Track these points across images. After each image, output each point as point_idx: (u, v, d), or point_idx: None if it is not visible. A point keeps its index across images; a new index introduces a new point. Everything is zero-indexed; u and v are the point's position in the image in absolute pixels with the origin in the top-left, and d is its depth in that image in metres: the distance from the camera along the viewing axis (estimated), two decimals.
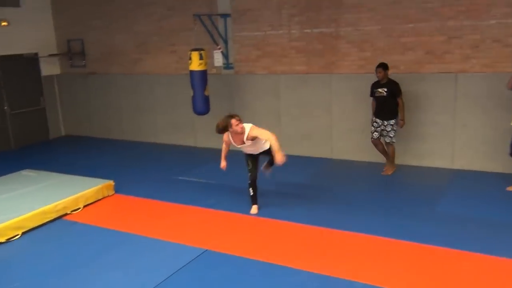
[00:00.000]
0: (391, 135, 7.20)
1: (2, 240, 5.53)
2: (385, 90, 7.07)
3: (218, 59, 8.76)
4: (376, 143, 7.38)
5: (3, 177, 7.58)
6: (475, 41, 6.95)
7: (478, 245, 4.92)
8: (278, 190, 6.94)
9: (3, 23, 9.95)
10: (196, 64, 7.90)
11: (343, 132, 8.19)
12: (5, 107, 10.33)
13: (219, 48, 8.70)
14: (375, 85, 7.20)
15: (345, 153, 8.24)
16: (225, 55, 8.91)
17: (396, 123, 7.18)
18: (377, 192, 6.72)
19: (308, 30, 8.13)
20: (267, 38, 8.54)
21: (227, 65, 9.00)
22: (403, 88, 7.10)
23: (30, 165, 8.29)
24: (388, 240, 5.15)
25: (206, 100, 8.19)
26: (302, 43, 8.23)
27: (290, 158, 8.47)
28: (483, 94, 7.01)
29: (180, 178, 7.71)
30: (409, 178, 7.25)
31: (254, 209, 6.17)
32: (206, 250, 5.15)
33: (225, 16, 8.78)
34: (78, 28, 10.83)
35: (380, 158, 7.90)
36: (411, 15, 7.26)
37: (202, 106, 8.18)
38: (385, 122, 7.17)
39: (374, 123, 7.30)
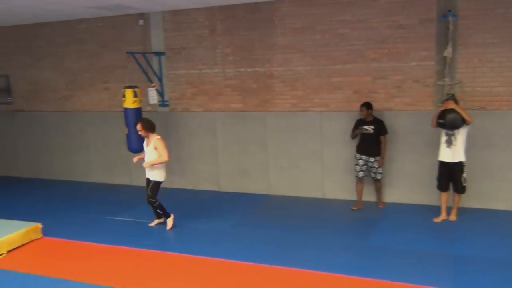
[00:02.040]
0: (380, 171, 7.28)
1: None
2: (372, 127, 7.16)
3: (153, 96, 8.72)
4: (360, 182, 7.43)
5: None
6: (397, 81, 7.45)
7: (410, 275, 5.13)
8: (214, 227, 6.92)
9: None
10: (130, 102, 7.83)
11: (279, 168, 8.35)
12: None
13: (154, 86, 8.69)
14: (361, 122, 7.26)
15: (281, 188, 8.39)
16: (160, 93, 8.90)
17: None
18: (312, 227, 6.84)
19: (243, 69, 8.34)
20: (202, 76, 8.65)
21: (163, 103, 8.97)
22: (334, 124, 7.44)
23: None
24: (324, 274, 5.24)
25: (141, 137, 8.08)
26: (237, 81, 8.42)
27: (228, 194, 8.60)
28: (407, 131, 7.47)
29: (114, 218, 7.46)
30: (343, 213, 7.46)
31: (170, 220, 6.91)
32: None
33: (159, 54, 8.82)
34: (3, 64, 10.40)
35: (316, 193, 8.12)
36: (338, 57, 7.68)
37: (137, 144, 8.05)
38: (371, 159, 7.24)
39: (360, 161, 7.30)
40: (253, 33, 8.15)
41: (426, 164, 7.32)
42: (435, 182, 6.90)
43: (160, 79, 8.92)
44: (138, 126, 6.73)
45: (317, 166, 8.08)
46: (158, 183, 6.80)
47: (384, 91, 7.55)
